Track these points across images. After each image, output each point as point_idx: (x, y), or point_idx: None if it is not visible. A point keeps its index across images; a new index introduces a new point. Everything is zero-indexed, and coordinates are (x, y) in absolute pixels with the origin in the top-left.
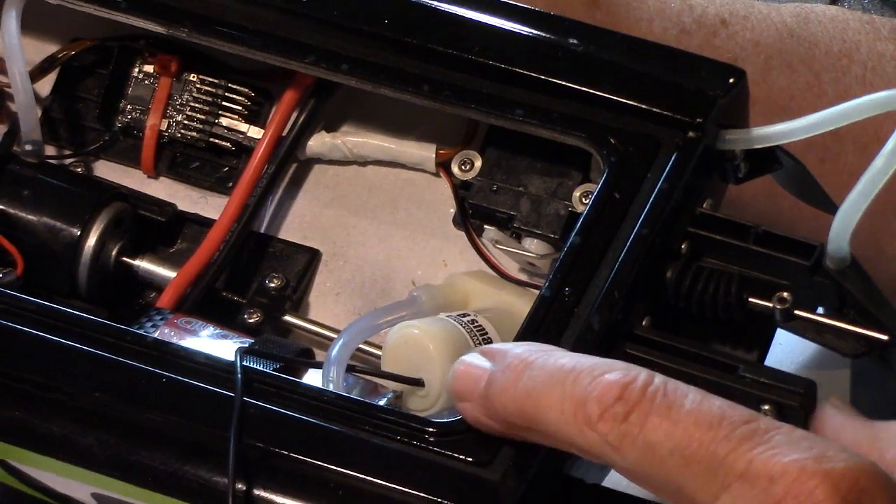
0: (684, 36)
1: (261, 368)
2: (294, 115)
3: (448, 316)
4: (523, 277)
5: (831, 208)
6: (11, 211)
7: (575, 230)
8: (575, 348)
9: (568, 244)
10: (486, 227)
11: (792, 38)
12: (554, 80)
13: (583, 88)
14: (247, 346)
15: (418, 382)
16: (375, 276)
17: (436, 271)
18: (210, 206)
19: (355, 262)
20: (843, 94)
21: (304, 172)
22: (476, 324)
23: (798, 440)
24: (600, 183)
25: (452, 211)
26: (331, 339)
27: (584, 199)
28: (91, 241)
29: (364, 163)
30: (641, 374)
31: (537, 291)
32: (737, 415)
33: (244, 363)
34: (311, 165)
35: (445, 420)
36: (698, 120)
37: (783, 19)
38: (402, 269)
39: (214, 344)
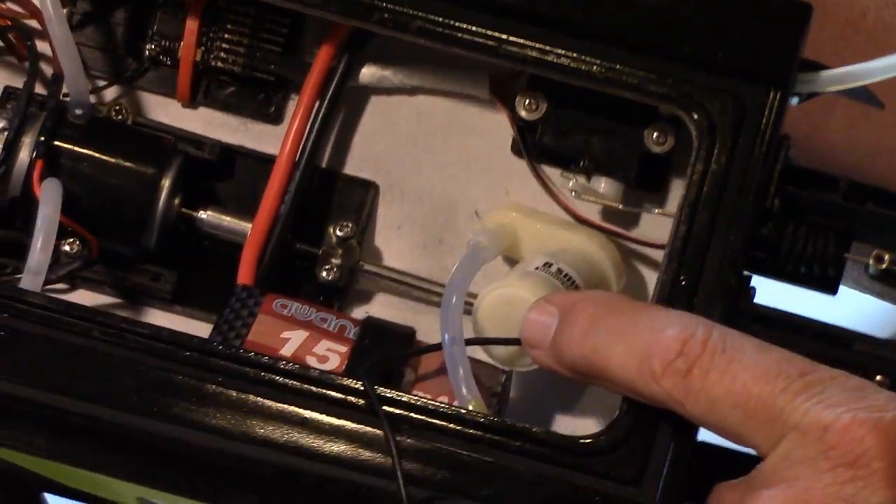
0: None
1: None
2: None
3: (537, 269)
4: (581, 209)
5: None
6: (77, 184)
7: (678, 217)
8: None
9: (674, 230)
10: (563, 174)
11: None
12: (634, 38)
13: (664, 46)
14: (368, 365)
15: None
16: (435, 207)
17: (498, 201)
18: (251, 133)
19: (413, 193)
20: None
21: (349, 102)
22: (563, 273)
23: (851, 390)
24: (694, 155)
25: (510, 138)
26: (405, 284)
27: (655, 139)
28: (162, 199)
29: (411, 90)
30: (700, 327)
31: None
32: (793, 367)
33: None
34: (356, 94)
35: (590, 439)
36: (783, 73)
37: None
38: (463, 199)
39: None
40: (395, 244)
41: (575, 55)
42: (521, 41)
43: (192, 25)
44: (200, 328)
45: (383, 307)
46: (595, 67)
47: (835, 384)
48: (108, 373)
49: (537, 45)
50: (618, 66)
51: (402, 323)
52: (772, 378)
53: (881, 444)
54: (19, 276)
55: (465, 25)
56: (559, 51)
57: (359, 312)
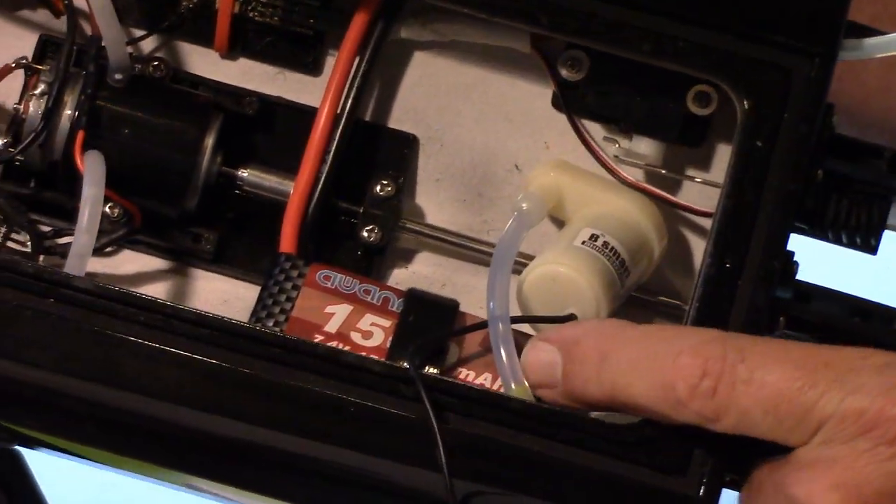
0: None
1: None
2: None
3: (583, 244)
4: (623, 170)
5: None
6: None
7: (724, 192)
8: (745, 330)
9: (720, 208)
10: (605, 137)
11: None
12: (676, 8)
13: (705, 15)
14: (414, 349)
15: (572, 318)
16: (475, 160)
17: (538, 154)
18: (289, 83)
19: (452, 145)
20: None
21: (388, 54)
22: (609, 246)
23: (882, 370)
24: (738, 129)
25: (550, 91)
26: (447, 242)
27: (698, 101)
28: (205, 161)
29: (451, 43)
30: (715, 342)
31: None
32: (816, 360)
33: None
34: (394, 47)
35: (634, 428)
36: (828, 44)
37: None
38: (503, 152)
39: (365, 320)
40: (434, 198)
41: (618, 26)
42: (564, 11)
43: None
44: (242, 288)
45: (424, 265)
46: (638, 38)
47: (864, 367)
48: (153, 363)
49: (580, 15)
50: (661, 37)
51: (443, 280)
52: (798, 376)
53: None
54: (60, 240)
55: None
56: (602, 21)
57: (400, 271)
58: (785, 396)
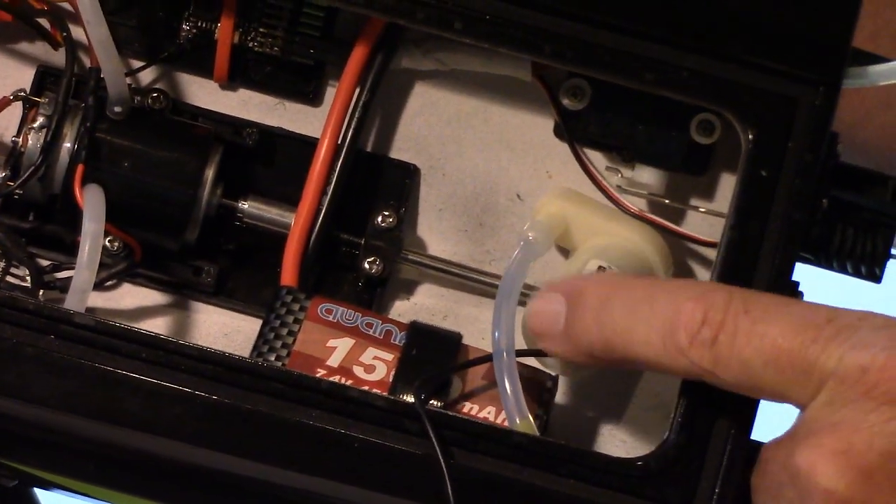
0: None
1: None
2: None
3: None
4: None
5: None
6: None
7: (729, 222)
8: None
9: (725, 237)
10: (608, 167)
11: None
12: (680, 38)
13: (710, 45)
14: (419, 383)
15: None
16: (477, 189)
17: (540, 183)
18: (289, 113)
19: (454, 175)
20: None
21: (388, 83)
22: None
23: (881, 328)
24: (743, 158)
25: (552, 119)
26: (449, 273)
27: (700, 129)
28: (206, 194)
29: (452, 71)
30: (718, 292)
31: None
32: (819, 315)
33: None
34: (395, 75)
35: (640, 461)
36: (832, 73)
37: None
38: (504, 181)
39: (367, 354)
40: (436, 227)
41: (621, 56)
42: (567, 40)
43: (229, 8)
44: (243, 321)
45: (426, 296)
46: (642, 68)
47: (864, 325)
48: (155, 399)
49: (583, 44)
50: (665, 67)
51: (445, 311)
52: (800, 329)
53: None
54: (59, 274)
55: (510, 22)
56: (605, 51)
57: (401, 303)
58: (786, 349)
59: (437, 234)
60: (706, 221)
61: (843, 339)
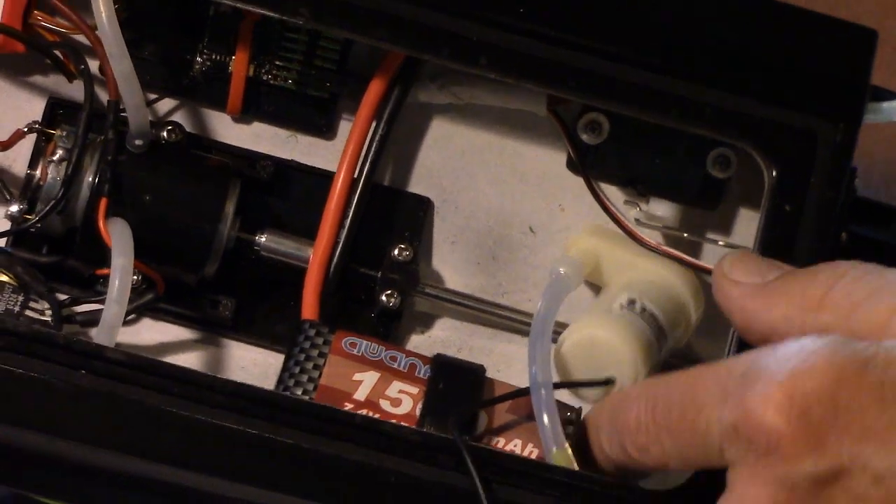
0: None
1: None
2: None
3: (622, 309)
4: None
5: None
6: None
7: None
8: None
9: None
10: (626, 202)
11: None
12: (701, 73)
13: (734, 82)
14: (453, 415)
15: (610, 382)
16: (490, 222)
17: (553, 216)
18: (302, 146)
19: (467, 208)
20: None
21: (402, 116)
22: (646, 311)
23: (737, 378)
24: (765, 195)
25: (564, 152)
26: (464, 305)
27: (717, 163)
28: (226, 227)
29: (464, 104)
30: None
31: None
32: (708, 384)
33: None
34: (409, 109)
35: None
36: (853, 109)
37: None
38: (517, 214)
39: (393, 388)
40: (449, 260)
41: (646, 91)
42: (592, 77)
43: (245, 40)
44: (259, 354)
45: (440, 329)
46: (664, 103)
47: (719, 380)
48: (190, 434)
49: (608, 80)
50: (686, 102)
51: (459, 343)
52: (686, 410)
53: (781, 415)
54: (77, 308)
55: (534, 58)
56: (630, 86)
57: (416, 336)
58: (685, 435)
59: (449, 266)
60: (719, 255)
61: (716, 402)
